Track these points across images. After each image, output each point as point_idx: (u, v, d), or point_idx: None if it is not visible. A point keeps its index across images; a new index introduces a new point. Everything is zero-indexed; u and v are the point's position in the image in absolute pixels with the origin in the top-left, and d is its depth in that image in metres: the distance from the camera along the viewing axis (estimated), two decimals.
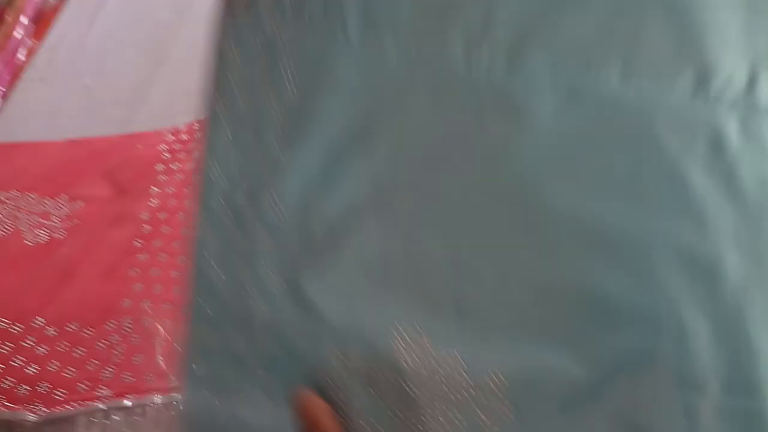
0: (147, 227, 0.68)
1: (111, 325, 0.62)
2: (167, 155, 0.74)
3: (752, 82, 0.33)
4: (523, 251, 0.34)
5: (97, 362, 0.60)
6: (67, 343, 0.61)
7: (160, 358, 0.60)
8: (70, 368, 0.60)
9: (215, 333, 0.38)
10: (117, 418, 0.57)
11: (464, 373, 0.34)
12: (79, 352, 0.61)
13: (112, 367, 0.60)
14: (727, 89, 0.33)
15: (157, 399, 0.58)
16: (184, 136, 0.75)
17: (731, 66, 0.33)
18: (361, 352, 0.35)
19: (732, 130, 0.33)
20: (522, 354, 0.34)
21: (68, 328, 0.62)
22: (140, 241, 0.67)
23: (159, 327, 0.61)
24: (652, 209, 0.33)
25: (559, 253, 0.34)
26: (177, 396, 0.57)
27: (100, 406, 0.58)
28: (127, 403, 0.58)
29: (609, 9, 0.35)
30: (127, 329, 0.62)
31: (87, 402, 0.58)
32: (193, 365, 0.39)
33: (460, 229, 0.35)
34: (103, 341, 0.61)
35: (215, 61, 0.38)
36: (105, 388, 0.59)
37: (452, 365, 0.34)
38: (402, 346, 0.35)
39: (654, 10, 0.35)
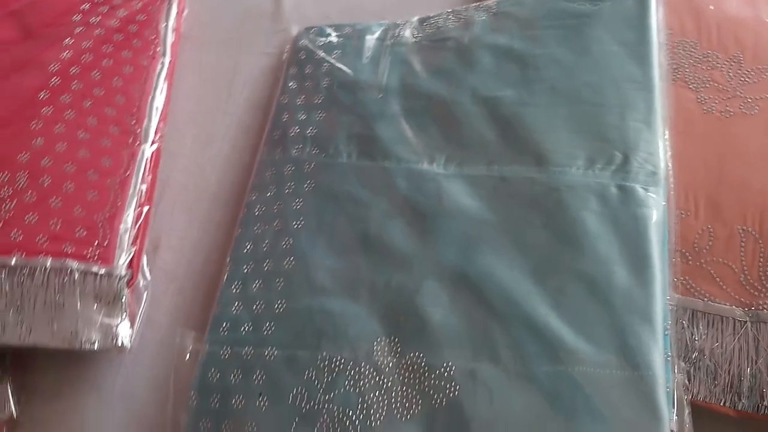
0: (55, 80, 0.62)
1: (3, 177, 0.56)
2: (86, 6, 0.67)
3: (626, 160, 0.50)
4: (463, 296, 0.48)
5: None
6: None
7: (57, 221, 0.55)
8: None
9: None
10: None
11: (424, 365, 0.46)
12: None
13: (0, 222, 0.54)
14: (609, 166, 0.50)
15: (47, 262, 0.53)
16: None
17: (610, 153, 0.50)
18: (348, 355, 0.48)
19: (613, 189, 0.49)
20: (466, 352, 0.46)
21: None
22: (46, 93, 0.61)
23: (61, 189, 0.56)
24: (562, 248, 0.48)
25: (491, 290, 0.48)
26: (69, 263, 0.53)
27: None
28: (13, 261, 0.52)
29: (525, 121, 0.54)
30: (21, 185, 0.56)
31: None
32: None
33: (420, 276, 0.50)
34: None
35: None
36: None
37: (415, 360, 0.46)
38: (379, 348, 0.48)
39: (558, 120, 0.53)
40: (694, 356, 0.47)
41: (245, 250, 0.55)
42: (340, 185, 0.55)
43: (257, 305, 0.52)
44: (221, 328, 0.51)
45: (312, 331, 0.49)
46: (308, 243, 0.53)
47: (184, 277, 0.58)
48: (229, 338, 0.51)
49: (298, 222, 0.55)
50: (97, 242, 0.54)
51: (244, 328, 0.51)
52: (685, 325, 0.48)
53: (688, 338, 0.48)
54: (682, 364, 0.45)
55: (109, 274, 0.53)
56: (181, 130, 0.65)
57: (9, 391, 0.52)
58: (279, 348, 0.49)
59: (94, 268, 0.53)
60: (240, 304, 0.52)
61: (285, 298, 0.51)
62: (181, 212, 0.61)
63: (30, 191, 0.55)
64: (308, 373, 0.48)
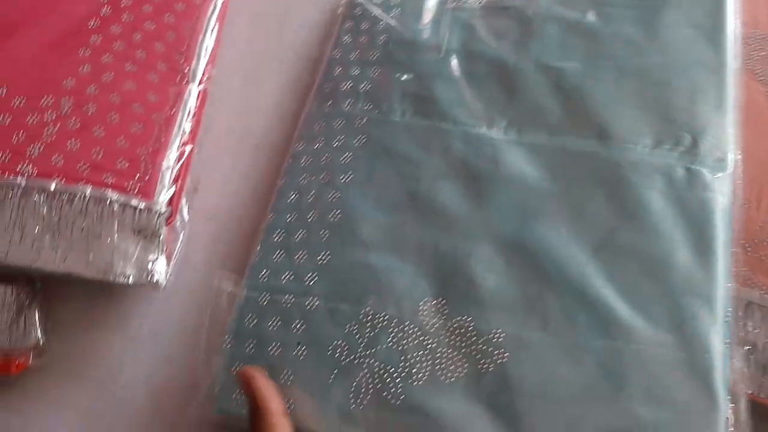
0: (106, 9, 0.60)
1: (47, 100, 0.54)
2: None
3: (694, 143, 0.49)
4: (517, 263, 0.47)
5: (23, 135, 0.52)
6: None
7: (99, 150, 0.53)
8: None
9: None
10: (37, 197, 0.50)
11: (472, 329, 0.45)
12: (4, 119, 0.53)
13: (41, 145, 0.52)
14: (676, 147, 0.49)
15: (87, 190, 0.51)
16: None
17: (678, 135, 0.50)
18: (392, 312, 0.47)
19: (680, 171, 0.48)
20: (517, 320, 0.45)
21: None
22: (96, 21, 0.59)
23: (105, 119, 0.54)
24: (623, 224, 0.47)
25: (547, 260, 0.46)
26: (109, 193, 0.51)
27: (20, 181, 0.51)
28: (52, 186, 0.51)
29: (590, 94, 0.53)
30: (65, 110, 0.54)
31: (4, 174, 0.51)
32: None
33: (473, 240, 0.48)
34: (35, 115, 0.53)
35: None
36: (28, 164, 0.51)
37: (463, 324, 0.45)
38: (425, 308, 0.46)
39: (624, 98, 0.52)
40: (746, 349, 0.46)
41: (289, 200, 0.54)
42: (392, 142, 0.54)
43: (300, 255, 0.50)
44: (261, 275, 0.50)
45: (356, 285, 0.48)
46: (356, 198, 0.52)
47: (221, 221, 0.57)
48: (268, 285, 0.49)
49: (347, 176, 0.53)
50: (138, 176, 0.53)
51: (285, 276, 0.50)
52: (740, 316, 0.47)
53: (741, 330, 0.46)
54: (741, 350, 0.44)
55: (149, 209, 0.52)
56: (228, 73, 0.63)
57: (36, 317, 0.50)
58: (321, 299, 0.48)
59: (134, 202, 0.52)
60: (281, 252, 0.51)
61: (330, 250, 0.50)
62: (223, 155, 0.59)
63: (74, 117, 0.54)
64: (350, 327, 0.46)
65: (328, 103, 0.58)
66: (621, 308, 0.44)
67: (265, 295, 0.49)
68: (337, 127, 0.56)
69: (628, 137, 0.50)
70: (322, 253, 0.50)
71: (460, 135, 0.53)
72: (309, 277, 0.49)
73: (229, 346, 0.48)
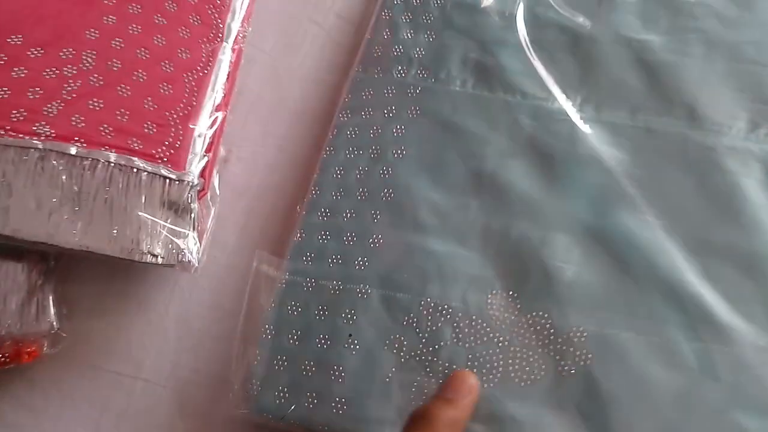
0: None
1: (67, 53, 0.48)
2: None
3: None
4: (598, 254, 0.42)
5: (40, 91, 0.46)
6: (4, 57, 0.47)
7: (124, 112, 0.47)
8: (3, 89, 0.46)
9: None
10: (55, 163, 0.44)
11: (549, 327, 0.40)
12: (19, 72, 0.47)
13: (60, 103, 0.46)
14: None
15: (111, 156, 0.46)
16: None
17: None
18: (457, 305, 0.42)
19: None
20: (600, 317, 0.40)
21: (9, 41, 0.48)
22: None
23: (131, 77, 0.49)
24: (717, 214, 0.42)
25: (631, 251, 0.42)
26: (135, 161, 0.46)
27: (36, 143, 0.45)
28: (72, 150, 0.45)
29: (676, 71, 0.48)
30: (87, 65, 0.48)
31: (19, 134, 0.45)
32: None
33: (547, 227, 0.43)
34: (53, 69, 0.47)
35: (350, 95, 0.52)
36: (45, 125, 0.46)
37: (539, 320, 0.41)
38: (494, 302, 0.42)
39: (714, 76, 0.47)
40: None
41: (334, 176, 0.48)
42: (451, 115, 0.49)
43: (348, 237, 0.45)
44: (304, 258, 0.45)
45: (413, 272, 0.43)
46: (411, 175, 0.47)
47: (254, 196, 0.51)
48: (313, 270, 0.44)
49: (399, 151, 0.48)
50: (167, 142, 0.47)
51: (332, 260, 0.44)
52: None
53: None
54: None
55: (180, 180, 0.46)
56: (262, 34, 0.57)
57: (50, 300, 0.44)
58: (374, 287, 0.43)
59: (164, 171, 0.46)
60: (327, 233, 0.46)
61: (382, 232, 0.45)
62: (256, 124, 0.54)
63: (96, 74, 0.48)
64: (408, 319, 0.41)
65: (377, 70, 0.53)
66: (718, 308, 0.39)
67: (309, 281, 0.44)
68: (388, 96, 0.51)
69: (720, 119, 0.45)
70: (374, 236, 0.45)
71: (528, 109, 0.48)
72: (359, 262, 0.44)
73: (270, 336, 0.42)
